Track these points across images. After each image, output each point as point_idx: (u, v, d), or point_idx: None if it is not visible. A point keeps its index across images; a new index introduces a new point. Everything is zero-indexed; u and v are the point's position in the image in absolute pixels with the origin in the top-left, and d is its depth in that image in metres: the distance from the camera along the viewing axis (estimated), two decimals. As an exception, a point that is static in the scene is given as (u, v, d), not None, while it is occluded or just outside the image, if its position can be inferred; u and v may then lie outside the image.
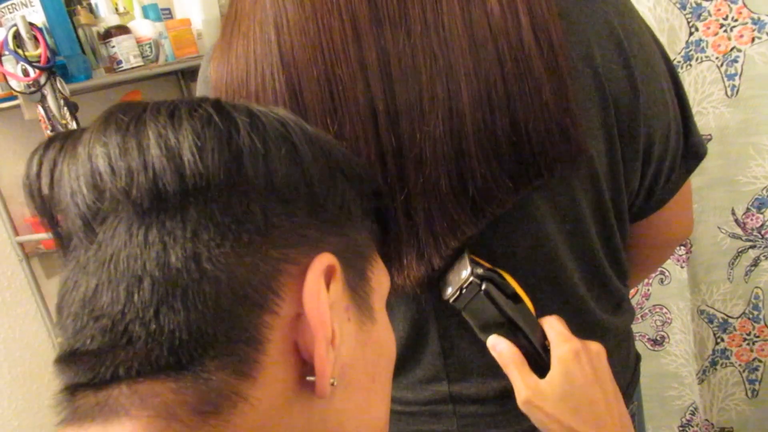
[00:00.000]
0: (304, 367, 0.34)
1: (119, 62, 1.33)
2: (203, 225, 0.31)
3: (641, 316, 1.41)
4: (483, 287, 0.56)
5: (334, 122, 0.55)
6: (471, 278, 0.56)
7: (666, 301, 1.38)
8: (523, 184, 0.56)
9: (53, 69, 1.12)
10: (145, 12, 1.50)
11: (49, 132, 1.11)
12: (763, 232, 1.29)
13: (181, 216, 0.31)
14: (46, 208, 0.34)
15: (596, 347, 0.57)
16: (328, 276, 0.35)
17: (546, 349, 0.57)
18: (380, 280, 0.42)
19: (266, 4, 0.57)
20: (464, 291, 0.56)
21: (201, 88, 0.66)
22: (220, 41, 0.62)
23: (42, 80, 1.10)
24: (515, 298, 0.57)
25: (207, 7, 1.59)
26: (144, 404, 0.30)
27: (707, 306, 1.38)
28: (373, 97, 0.54)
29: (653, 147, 0.62)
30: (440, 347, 0.65)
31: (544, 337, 0.57)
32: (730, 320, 1.37)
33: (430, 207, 0.56)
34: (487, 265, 0.58)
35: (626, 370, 0.73)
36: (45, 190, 0.33)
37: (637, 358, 0.76)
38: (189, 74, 1.77)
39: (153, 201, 0.31)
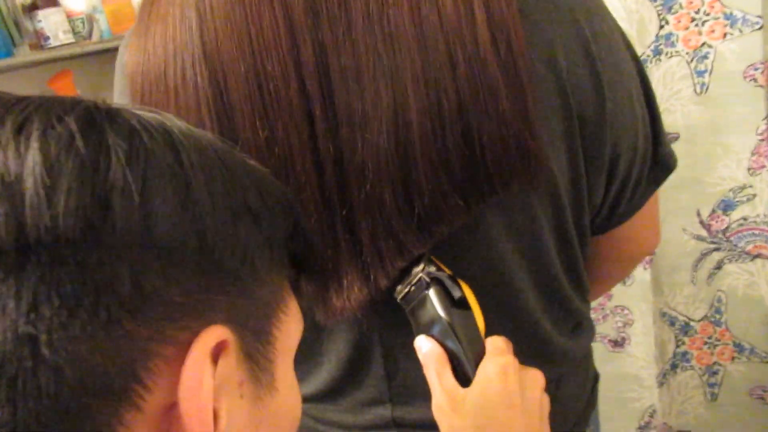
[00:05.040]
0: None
1: (47, 38, 1.20)
2: (45, 295, 0.23)
3: (603, 317, 1.38)
4: (430, 287, 0.52)
5: (264, 126, 0.48)
6: (420, 275, 0.52)
7: (628, 302, 1.35)
8: (476, 202, 0.50)
9: (-33, 47, 1.01)
10: (79, -17, 1.37)
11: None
12: (728, 234, 1.26)
13: (15, 281, 0.23)
14: None
15: (534, 374, 0.51)
16: (217, 352, 0.28)
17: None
18: (290, 333, 0.35)
19: None
20: (412, 289, 0.53)
21: (118, 78, 0.58)
22: (137, 24, 0.54)
23: (-45, 59, 1.00)
24: (463, 306, 0.53)
25: (151, -18, 1.45)
26: None
27: (669, 308, 1.35)
28: (309, 98, 0.47)
29: (619, 159, 0.57)
30: (384, 369, 0.60)
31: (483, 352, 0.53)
32: (692, 323, 1.35)
33: (374, 224, 0.50)
34: (445, 269, 0.53)
35: (583, 393, 0.68)
36: None
37: (595, 378, 0.72)
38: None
39: None
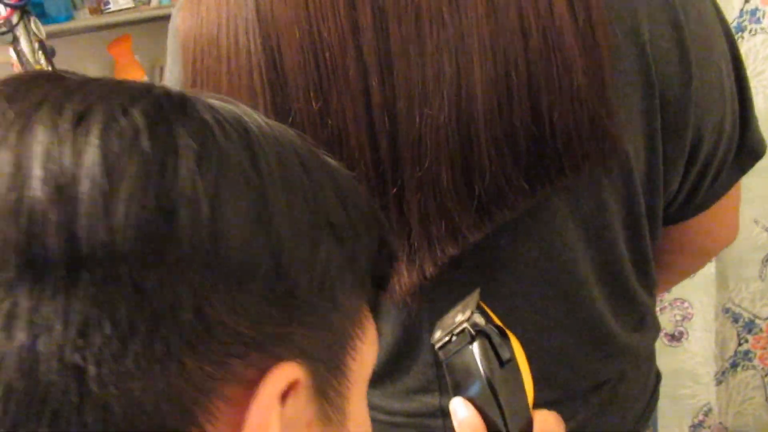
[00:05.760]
0: None
1: (106, 3, 1.21)
2: (96, 320, 0.20)
3: (660, 310, 1.32)
4: (474, 341, 0.45)
5: (318, 96, 0.46)
6: (464, 326, 0.45)
7: (689, 295, 1.28)
8: (542, 185, 0.46)
9: (27, 8, 1.00)
10: (137, -55, 1.35)
11: (22, 78, 1.02)
12: (804, 229, 1.18)
13: (64, 300, 0.20)
14: None
15: None
16: (286, 392, 0.24)
17: None
18: (365, 362, 0.31)
19: None
20: (453, 339, 0.46)
21: (170, 42, 0.57)
22: None
23: (14, 20, 0.99)
24: (510, 368, 0.46)
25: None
26: None
27: (734, 304, 1.28)
28: (367, 68, 0.45)
29: (702, 142, 0.52)
30: (433, 356, 0.57)
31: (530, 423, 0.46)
32: (758, 321, 1.28)
33: (426, 205, 0.47)
34: (496, 320, 0.47)
35: (644, 394, 0.64)
36: None
37: (657, 378, 0.68)
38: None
39: (21, 269, 0.20)
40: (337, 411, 0.28)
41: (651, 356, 0.65)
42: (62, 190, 0.20)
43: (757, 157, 0.57)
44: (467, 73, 0.43)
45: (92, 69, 1.45)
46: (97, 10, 1.23)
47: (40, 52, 1.01)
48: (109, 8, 1.22)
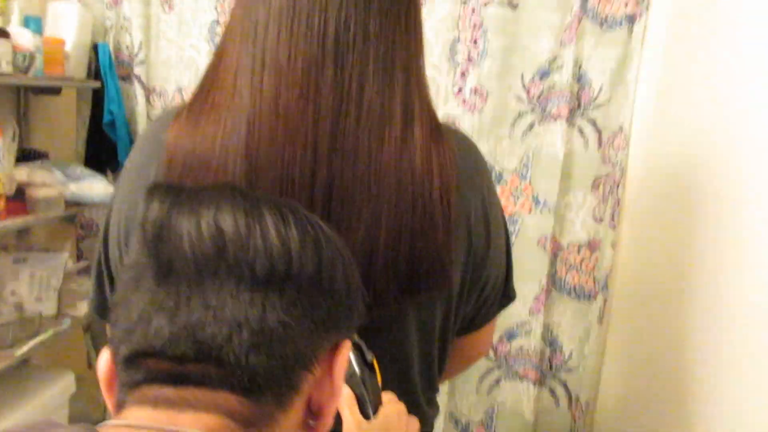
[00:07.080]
0: (307, 412, 0.46)
1: (-14, 63, 1.22)
2: (294, 304, 0.42)
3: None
4: (351, 350, 0.70)
5: None
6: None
7: (426, 402, 1.62)
8: (404, 298, 0.73)
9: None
10: (26, 22, 1.42)
11: None
12: (508, 358, 1.63)
13: (280, 292, 0.42)
14: (156, 234, 0.41)
15: (414, 420, 0.76)
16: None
17: (377, 409, 0.73)
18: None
19: (244, 101, 0.67)
20: None
21: (150, 148, 0.72)
22: (186, 117, 0.70)
23: None
24: (370, 367, 0.73)
25: (80, 33, 1.55)
26: (215, 405, 0.40)
27: (456, 410, 1.66)
28: (314, 206, 0.67)
29: (486, 286, 0.84)
30: None
31: (380, 402, 0.73)
32: (471, 426, 1.66)
33: None
34: (363, 345, 0.73)
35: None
36: (160, 219, 0.41)
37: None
38: (32, 90, 1.64)
39: (267, 276, 0.41)
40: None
41: (432, 427, 0.94)
42: (285, 246, 0.42)
43: (511, 300, 0.92)
44: (376, 221, 0.69)
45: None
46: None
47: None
48: (-12, 71, 1.22)
